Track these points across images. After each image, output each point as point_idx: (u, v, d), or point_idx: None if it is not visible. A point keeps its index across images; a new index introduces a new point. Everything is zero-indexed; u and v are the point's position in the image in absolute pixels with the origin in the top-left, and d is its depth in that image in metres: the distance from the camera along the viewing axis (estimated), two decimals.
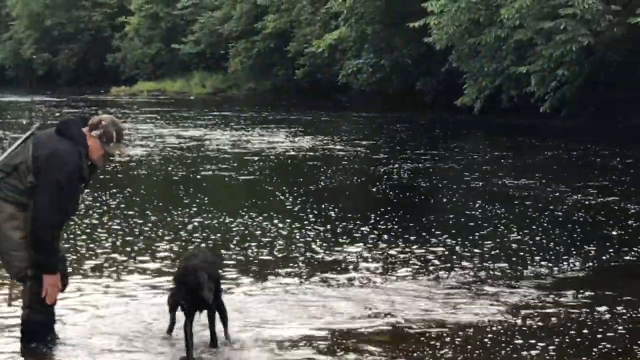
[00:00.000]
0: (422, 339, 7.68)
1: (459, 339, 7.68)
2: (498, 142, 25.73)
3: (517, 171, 18.96)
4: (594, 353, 7.34)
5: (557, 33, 26.36)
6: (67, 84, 62.96)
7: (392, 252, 11.15)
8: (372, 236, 12.06)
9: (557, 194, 15.92)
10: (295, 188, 16.69)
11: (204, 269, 6.95)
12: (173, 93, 51.11)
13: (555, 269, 10.30)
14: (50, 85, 65.20)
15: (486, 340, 7.68)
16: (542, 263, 10.55)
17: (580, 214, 13.90)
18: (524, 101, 29.95)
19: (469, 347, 7.49)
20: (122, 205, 14.48)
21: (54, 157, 6.93)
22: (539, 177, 17.90)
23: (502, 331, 7.90)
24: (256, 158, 21.35)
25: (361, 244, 11.54)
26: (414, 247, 11.41)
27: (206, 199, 15.38)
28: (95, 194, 14.88)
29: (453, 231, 12.42)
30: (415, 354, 7.30)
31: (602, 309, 8.55)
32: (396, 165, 20.09)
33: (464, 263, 10.55)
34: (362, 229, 12.57)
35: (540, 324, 8.14)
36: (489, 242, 11.78)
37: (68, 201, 6.96)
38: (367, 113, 36.20)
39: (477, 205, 14.76)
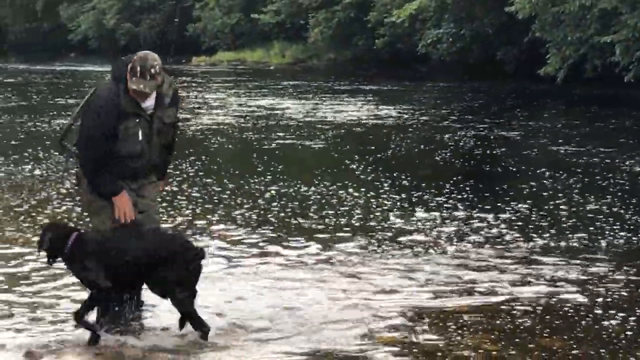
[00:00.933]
0: (502, 310, 7.59)
1: (539, 310, 7.58)
2: (578, 112, 25.35)
3: (594, 140, 18.67)
4: None
5: None
6: None
7: (467, 221, 11.09)
8: (447, 205, 12.00)
9: (637, 165, 15.64)
10: (370, 157, 16.68)
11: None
12: (252, 63, 51.23)
13: (634, 239, 10.13)
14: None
15: (566, 309, 7.57)
16: (620, 234, 10.38)
17: None
18: (608, 71, 29.38)
19: (548, 317, 7.40)
20: (201, 173, 14.60)
21: (91, 94, 7.16)
22: (618, 147, 17.61)
23: (580, 302, 7.79)
24: (331, 127, 21.32)
25: (436, 213, 11.50)
26: (489, 216, 11.33)
27: (281, 167, 15.44)
28: (176, 162, 14.98)
29: (528, 201, 12.31)
30: (493, 326, 7.22)
31: None
32: (471, 134, 19.95)
33: (540, 232, 10.43)
34: (437, 198, 12.52)
35: (619, 294, 8.00)
36: (564, 211, 11.64)
37: (102, 136, 6.91)
38: (447, 83, 35.91)
39: (553, 174, 14.59)
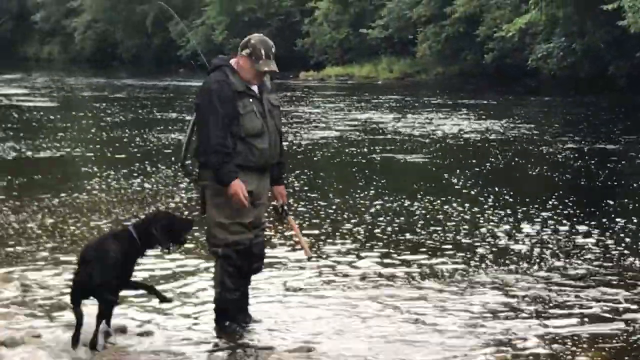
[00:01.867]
0: (616, 331, 7.36)
1: None
2: None
3: None
4: None
5: None
6: None
7: (573, 237, 10.86)
8: (551, 222, 11.75)
9: None
10: (472, 172, 16.52)
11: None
12: (360, 78, 51.22)
13: None
14: None
15: None
16: None
17: None
18: None
19: None
20: (306, 188, 14.59)
21: (199, 89, 7.24)
22: None
23: None
24: (434, 141, 21.19)
25: (542, 229, 11.28)
26: (595, 232, 11.07)
27: (383, 181, 15.41)
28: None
29: (634, 218, 11.96)
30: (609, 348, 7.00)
31: None
32: (577, 149, 19.55)
33: None
34: (542, 213, 12.28)
35: None
36: None
37: (221, 118, 6.95)
38: (557, 97, 35.32)
39: None
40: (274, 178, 7.43)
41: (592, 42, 37.11)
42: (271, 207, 7.57)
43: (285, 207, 7.51)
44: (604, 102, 32.58)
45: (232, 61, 7.23)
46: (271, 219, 7.86)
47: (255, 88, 7.18)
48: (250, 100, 7.11)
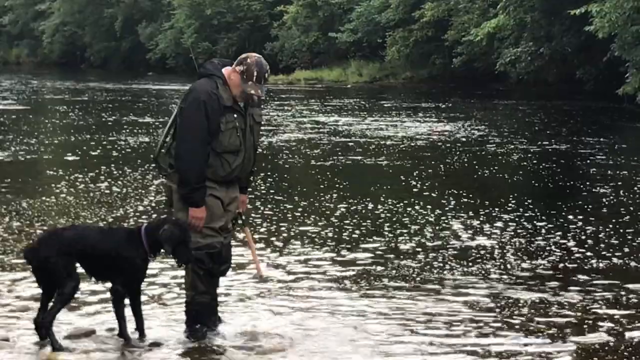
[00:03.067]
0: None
1: None
2: None
3: None
4: None
5: None
6: None
7: (533, 240, 10.99)
8: (512, 223, 11.93)
9: None
10: (434, 174, 16.76)
11: None
12: (330, 81, 51.28)
13: None
14: None
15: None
16: None
17: None
18: None
19: None
20: (272, 191, 14.65)
21: (186, 93, 7.18)
22: None
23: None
24: (398, 144, 21.32)
25: (501, 232, 11.40)
26: (557, 234, 11.22)
27: (346, 183, 15.58)
28: None
29: (591, 219, 12.16)
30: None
31: None
32: (534, 151, 19.81)
33: (604, 253, 10.27)
34: (504, 216, 12.42)
35: None
36: (630, 233, 11.44)
37: (202, 129, 6.96)
38: (522, 101, 35.56)
39: (618, 195, 14.39)
40: (242, 187, 7.51)
41: (559, 47, 37.38)
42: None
43: (243, 217, 7.60)
44: (569, 106, 32.84)
45: (225, 71, 7.21)
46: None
47: (241, 102, 7.19)
48: (235, 115, 7.12)
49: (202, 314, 7.25)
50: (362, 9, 52.94)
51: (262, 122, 7.47)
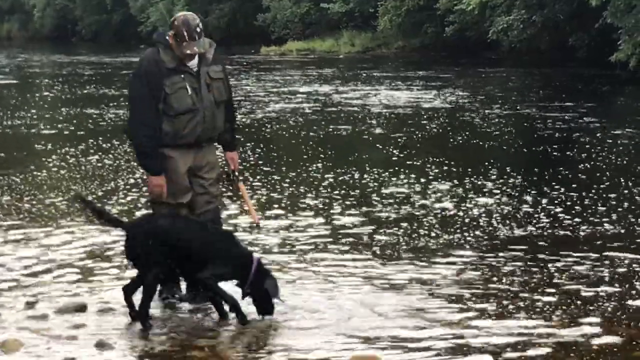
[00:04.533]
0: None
1: None
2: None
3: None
4: None
5: None
6: (217, 43, 62.81)
7: (520, 206, 11.07)
8: (497, 191, 12.00)
9: None
10: (419, 143, 16.82)
11: None
12: (322, 52, 51.15)
13: None
14: None
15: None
16: None
17: None
18: None
19: None
20: (260, 162, 14.67)
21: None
22: None
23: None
24: (386, 114, 21.44)
25: (489, 199, 11.46)
26: (544, 201, 11.27)
27: (332, 152, 15.74)
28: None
29: (584, 185, 12.29)
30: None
31: None
32: (523, 119, 20.00)
33: (591, 219, 10.33)
34: (487, 183, 12.54)
35: None
36: (613, 198, 11.47)
37: (150, 95, 7.06)
38: (513, 69, 35.52)
39: (607, 159, 14.44)
40: (226, 144, 7.62)
41: (551, 14, 37.28)
42: (224, 173, 7.73)
43: (237, 173, 7.69)
44: (562, 73, 32.80)
45: (168, 35, 7.25)
46: (225, 183, 7.93)
47: (193, 61, 7.21)
48: (182, 76, 7.15)
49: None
50: None
51: (224, 77, 7.45)
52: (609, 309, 7.24)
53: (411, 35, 48.78)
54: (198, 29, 7.11)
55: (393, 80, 31.11)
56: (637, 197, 11.54)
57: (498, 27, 39.21)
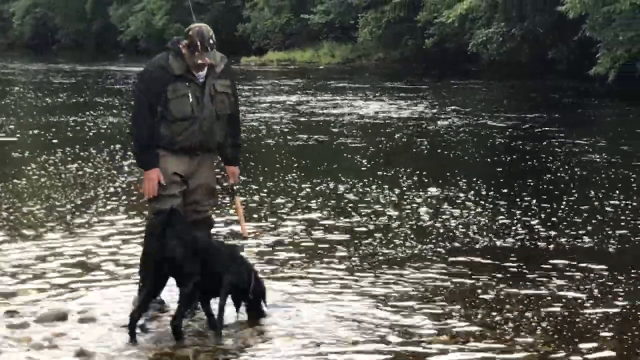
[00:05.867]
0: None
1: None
2: (625, 112, 24.97)
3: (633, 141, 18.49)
4: None
5: None
6: None
7: (496, 217, 11.13)
8: (470, 203, 12.08)
9: None
10: (391, 154, 16.96)
11: None
12: (303, 63, 51.27)
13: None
14: None
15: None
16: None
17: None
18: None
19: None
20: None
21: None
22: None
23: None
24: (361, 124, 21.61)
25: (464, 211, 11.54)
26: (518, 213, 11.37)
27: (307, 162, 15.98)
28: None
29: (544, 196, 12.42)
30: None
31: None
32: (502, 131, 20.17)
33: (564, 230, 10.42)
34: (460, 194, 12.64)
35: None
36: (585, 209, 11.57)
37: (152, 100, 7.24)
38: (495, 82, 35.70)
39: (578, 171, 14.61)
40: (227, 159, 7.77)
41: (531, 26, 37.48)
42: (224, 187, 7.99)
43: (235, 187, 7.87)
44: (540, 86, 32.99)
45: (182, 44, 7.41)
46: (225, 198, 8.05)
47: (201, 72, 7.37)
48: (187, 84, 7.30)
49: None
50: None
51: (230, 92, 7.58)
52: (585, 320, 7.32)
53: (391, 47, 48.92)
54: (211, 41, 7.31)
55: (369, 91, 31.29)
56: (607, 209, 11.66)
57: (478, 40, 39.38)
